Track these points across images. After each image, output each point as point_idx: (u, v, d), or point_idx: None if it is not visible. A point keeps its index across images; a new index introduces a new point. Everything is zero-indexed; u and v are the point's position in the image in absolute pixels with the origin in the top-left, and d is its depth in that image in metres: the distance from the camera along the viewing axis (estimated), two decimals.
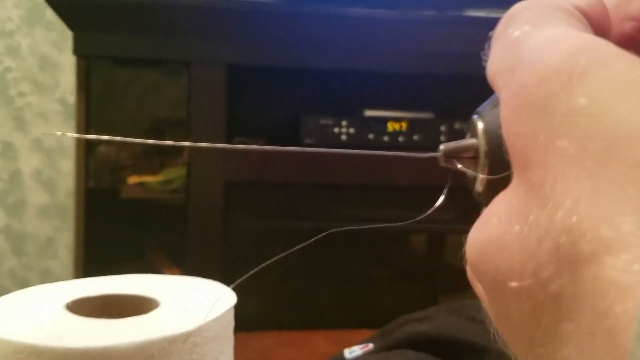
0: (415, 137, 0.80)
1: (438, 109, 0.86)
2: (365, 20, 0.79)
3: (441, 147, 0.16)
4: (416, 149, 0.82)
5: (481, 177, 0.15)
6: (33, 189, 1.07)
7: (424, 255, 0.89)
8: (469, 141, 0.15)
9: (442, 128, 0.81)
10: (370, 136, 0.80)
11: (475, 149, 0.15)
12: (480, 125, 0.15)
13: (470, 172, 0.15)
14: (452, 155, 0.15)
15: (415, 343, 0.36)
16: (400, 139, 0.80)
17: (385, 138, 0.80)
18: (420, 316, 0.39)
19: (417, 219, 0.16)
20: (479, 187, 0.15)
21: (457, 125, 0.81)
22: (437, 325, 0.37)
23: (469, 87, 0.84)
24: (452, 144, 0.15)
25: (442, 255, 0.88)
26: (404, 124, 0.81)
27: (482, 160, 0.15)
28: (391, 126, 0.81)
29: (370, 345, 0.38)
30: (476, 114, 0.15)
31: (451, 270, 0.87)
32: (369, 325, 0.45)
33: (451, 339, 0.36)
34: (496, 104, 0.14)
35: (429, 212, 0.16)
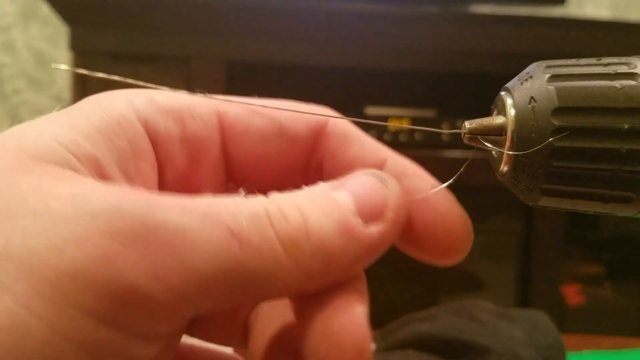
0: (417, 135, 0.80)
1: (440, 107, 0.86)
2: (367, 17, 0.78)
3: (466, 123, 0.15)
4: (417, 147, 0.82)
5: (506, 156, 0.14)
6: None
7: None
8: (495, 118, 0.14)
9: (444, 126, 0.81)
10: (371, 134, 0.80)
11: (501, 126, 0.14)
12: (509, 100, 0.14)
13: (496, 149, 0.14)
14: (476, 132, 0.14)
15: (416, 343, 0.36)
16: (401, 137, 0.80)
17: (387, 136, 0.80)
18: (422, 316, 0.39)
19: (439, 187, 0.16)
20: (504, 167, 0.14)
21: (459, 123, 0.80)
22: (439, 326, 0.37)
23: (471, 85, 0.84)
24: (477, 121, 0.15)
25: None
26: (405, 122, 0.80)
27: (509, 138, 0.14)
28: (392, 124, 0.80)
29: (372, 345, 0.38)
30: (504, 90, 0.15)
31: (453, 270, 0.87)
32: (369, 325, 0.45)
33: (453, 339, 0.35)
34: (526, 79, 0.14)
35: (450, 182, 0.16)
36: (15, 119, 1.06)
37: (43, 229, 0.11)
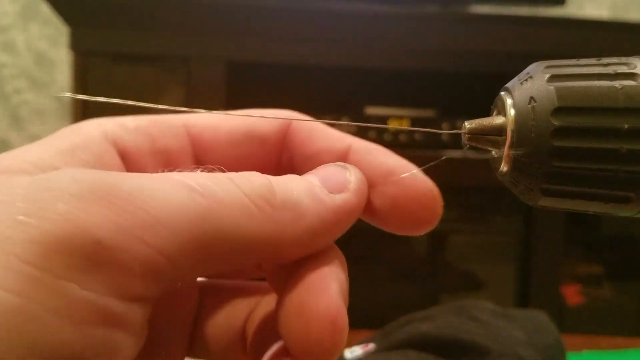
0: (417, 135, 0.80)
1: (440, 107, 0.86)
2: (368, 17, 0.78)
3: (466, 123, 0.15)
4: (417, 148, 0.82)
5: (506, 156, 0.14)
6: None
7: (425, 254, 0.89)
8: (494, 118, 0.14)
9: (444, 126, 0.81)
10: (371, 134, 0.80)
11: (501, 126, 0.14)
12: (508, 100, 0.14)
13: (495, 150, 0.14)
14: (476, 132, 0.14)
15: (416, 343, 0.36)
16: (401, 137, 0.80)
17: (386, 136, 0.80)
18: (422, 316, 0.39)
19: (424, 167, 0.16)
20: (504, 167, 0.14)
21: (459, 123, 0.80)
22: (439, 325, 0.37)
23: (471, 85, 0.84)
24: (477, 121, 0.15)
25: (444, 255, 0.88)
26: (405, 122, 0.80)
27: (509, 138, 0.14)
28: (392, 124, 0.80)
29: (371, 345, 0.38)
30: (504, 90, 0.15)
31: (453, 269, 0.87)
32: (369, 325, 0.45)
33: (452, 338, 0.35)
34: (526, 79, 0.14)
35: (435, 163, 0.16)
36: (15, 119, 1.06)
37: (7, 213, 0.11)
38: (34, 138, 0.88)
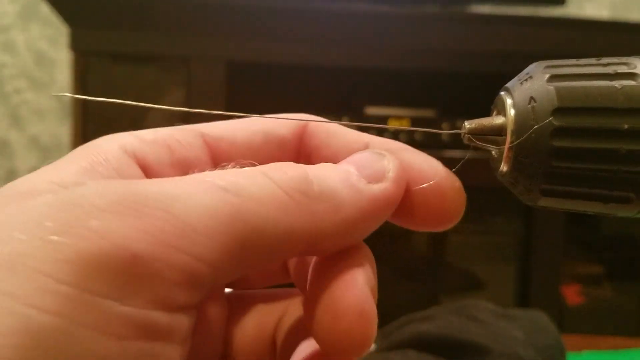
0: (417, 135, 0.80)
1: (440, 107, 0.86)
2: (367, 17, 0.78)
3: (465, 123, 0.15)
4: (417, 148, 0.82)
5: (506, 156, 0.14)
6: None
7: (425, 254, 0.89)
8: (494, 118, 0.14)
9: (444, 126, 0.81)
10: (371, 134, 0.80)
11: (501, 127, 0.14)
12: (508, 101, 0.14)
13: (495, 150, 0.14)
14: (476, 132, 0.15)
15: (416, 343, 0.36)
16: (401, 137, 0.80)
17: (386, 136, 0.80)
18: (422, 316, 0.39)
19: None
20: (503, 167, 0.14)
21: (459, 123, 0.80)
22: (439, 325, 0.37)
23: (471, 85, 0.84)
24: (477, 121, 0.15)
25: (444, 255, 0.88)
26: (405, 122, 0.80)
27: (508, 138, 0.14)
28: (392, 124, 0.80)
29: (372, 345, 0.38)
30: (504, 90, 0.15)
31: (453, 269, 0.87)
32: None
33: (452, 339, 0.35)
34: (525, 79, 0.14)
35: (460, 164, 0.16)
36: (15, 119, 1.06)
37: (36, 234, 0.10)
38: (34, 138, 0.88)
